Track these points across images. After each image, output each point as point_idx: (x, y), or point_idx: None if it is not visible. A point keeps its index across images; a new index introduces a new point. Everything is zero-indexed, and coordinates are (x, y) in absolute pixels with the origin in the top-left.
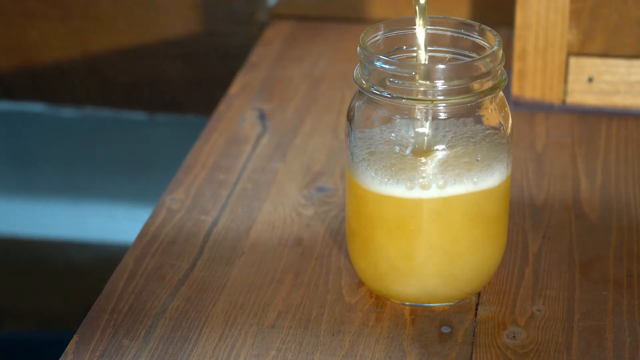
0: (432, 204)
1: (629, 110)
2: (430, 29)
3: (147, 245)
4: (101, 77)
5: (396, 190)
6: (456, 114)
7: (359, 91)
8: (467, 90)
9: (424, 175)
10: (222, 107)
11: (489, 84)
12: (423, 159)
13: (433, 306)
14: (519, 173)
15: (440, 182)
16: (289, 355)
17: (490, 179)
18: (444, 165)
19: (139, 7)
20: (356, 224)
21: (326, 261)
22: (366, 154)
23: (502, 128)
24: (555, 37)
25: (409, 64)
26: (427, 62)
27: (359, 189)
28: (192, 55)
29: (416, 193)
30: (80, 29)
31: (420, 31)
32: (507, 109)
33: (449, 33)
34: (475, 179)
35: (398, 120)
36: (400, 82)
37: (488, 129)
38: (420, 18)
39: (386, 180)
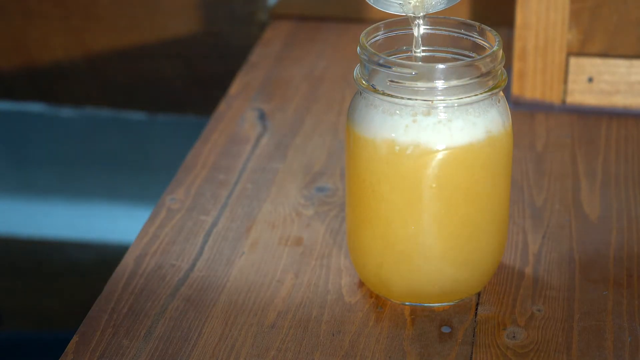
0: (433, 155)
1: (629, 110)
2: (431, 29)
3: (147, 245)
4: (101, 77)
5: (403, 121)
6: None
7: (359, 91)
8: (467, 90)
9: (426, 105)
10: (222, 107)
11: (489, 84)
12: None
13: (433, 306)
14: (519, 173)
15: (442, 113)
16: (289, 355)
17: (489, 114)
18: (446, 85)
19: (139, 7)
20: (356, 212)
21: (326, 261)
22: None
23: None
24: (555, 37)
25: (409, 63)
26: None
27: (360, 142)
28: (192, 55)
29: (420, 119)
30: (81, 29)
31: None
32: (507, 109)
33: (449, 33)
34: (476, 113)
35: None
36: (400, 82)
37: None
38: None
39: (392, 109)
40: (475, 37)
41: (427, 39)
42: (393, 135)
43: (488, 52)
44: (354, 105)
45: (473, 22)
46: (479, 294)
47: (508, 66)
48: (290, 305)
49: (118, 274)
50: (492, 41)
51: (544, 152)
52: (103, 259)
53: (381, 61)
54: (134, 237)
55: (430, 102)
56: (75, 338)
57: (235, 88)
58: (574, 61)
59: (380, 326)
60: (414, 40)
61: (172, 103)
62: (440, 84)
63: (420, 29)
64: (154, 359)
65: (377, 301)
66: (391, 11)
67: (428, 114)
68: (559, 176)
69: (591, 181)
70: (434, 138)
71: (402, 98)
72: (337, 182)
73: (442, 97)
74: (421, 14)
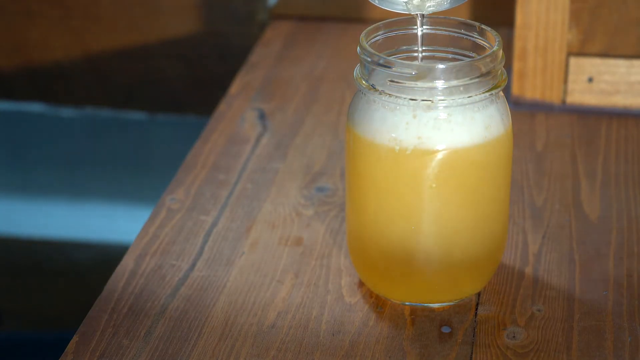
0: (433, 154)
1: (629, 110)
2: (431, 29)
3: (147, 245)
4: (101, 77)
5: (403, 119)
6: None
7: (359, 91)
8: (467, 90)
9: (426, 105)
10: (222, 107)
11: (489, 84)
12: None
13: (433, 306)
14: (519, 173)
15: (442, 112)
16: (289, 355)
17: (488, 111)
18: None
19: (139, 7)
20: (356, 212)
21: (326, 261)
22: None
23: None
24: (555, 37)
25: (409, 64)
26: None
27: (360, 142)
28: (192, 55)
29: (420, 112)
30: (81, 29)
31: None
32: (507, 108)
33: (449, 33)
34: (475, 109)
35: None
36: (400, 81)
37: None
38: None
39: (392, 109)
40: (475, 37)
41: (427, 39)
42: (393, 135)
43: (488, 52)
44: (354, 105)
45: (473, 22)
46: (479, 294)
47: (508, 66)
48: (290, 305)
49: (118, 274)
50: (492, 41)
51: (544, 152)
52: (103, 259)
53: (381, 61)
54: (134, 237)
55: (430, 102)
56: (75, 338)
57: (235, 88)
58: (574, 61)
59: (380, 326)
60: (418, 39)
61: (172, 103)
62: (440, 83)
63: (423, 28)
64: (154, 359)
65: (377, 301)
66: (396, 10)
67: (428, 111)
68: (559, 176)
69: (591, 181)
70: (434, 135)
71: (402, 98)
72: (337, 182)
73: (442, 97)
74: (425, 12)
